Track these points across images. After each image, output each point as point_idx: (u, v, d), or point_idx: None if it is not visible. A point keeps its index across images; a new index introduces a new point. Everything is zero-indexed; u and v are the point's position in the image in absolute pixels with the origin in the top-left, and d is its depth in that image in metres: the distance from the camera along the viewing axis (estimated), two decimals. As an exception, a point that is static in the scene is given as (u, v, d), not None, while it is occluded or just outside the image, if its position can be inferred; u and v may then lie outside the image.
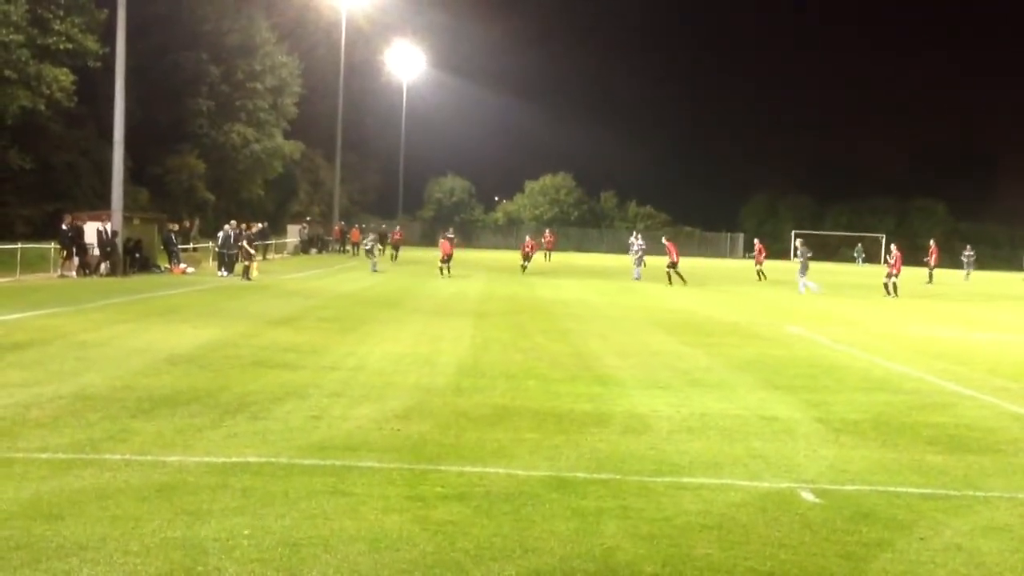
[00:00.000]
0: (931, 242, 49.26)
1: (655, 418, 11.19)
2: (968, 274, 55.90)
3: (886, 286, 35.74)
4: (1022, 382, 15.32)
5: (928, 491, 8.48)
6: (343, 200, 76.05)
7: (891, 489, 8.46)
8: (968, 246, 59.58)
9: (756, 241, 48.71)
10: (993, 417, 12.20)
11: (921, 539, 7.15)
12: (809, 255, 38.57)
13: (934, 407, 12.74)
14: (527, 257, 47.29)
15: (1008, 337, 22.84)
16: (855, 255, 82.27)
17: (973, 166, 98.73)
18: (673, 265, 38.63)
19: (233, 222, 37.56)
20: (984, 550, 6.96)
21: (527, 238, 52.99)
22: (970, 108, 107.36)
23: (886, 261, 37.41)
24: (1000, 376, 15.84)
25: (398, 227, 63.27)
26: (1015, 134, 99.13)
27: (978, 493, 8.48)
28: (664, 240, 41.78)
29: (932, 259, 47.41)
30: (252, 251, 35.30)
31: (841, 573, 6.38)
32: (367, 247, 45.11)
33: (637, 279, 39.86)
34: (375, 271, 41.43)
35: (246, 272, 34.06)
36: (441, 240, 42.85)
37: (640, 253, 42.87)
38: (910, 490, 8.47)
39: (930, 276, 47.05)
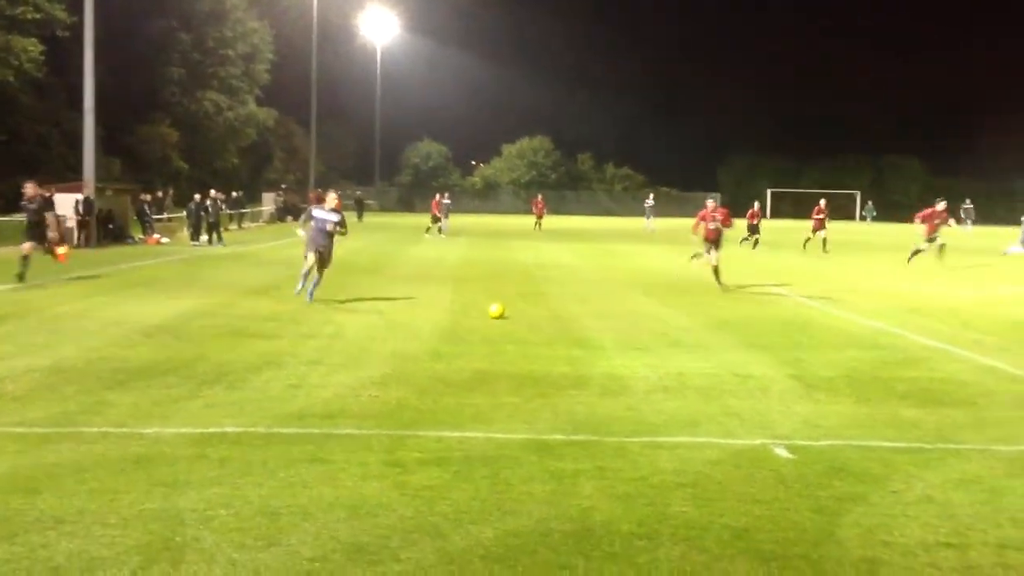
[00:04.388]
0: None
1: (633, 379, 11.25)
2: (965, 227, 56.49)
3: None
4: (996, 335, 15.47)
5: (901, 445, 8.57)
6: (319, 166, 75.60)
7: (864, 443, 8.54)
8: (967, 199, 59.74)
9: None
10: (967, 371, 12.32)
11: (894, 492, 7.23)
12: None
13: (908, 362, 12.87)
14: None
15: (985, 292, 23.04)
16: (864, 214, 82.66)
17: (949, 121, 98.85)
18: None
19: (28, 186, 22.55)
20: (956, 502, 7.05)
21: None
22: (948, 62, 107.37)
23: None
24: (974, 330, 16.00)
25: (446, 194, 48.93)
26: (993, 89, 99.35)
27: (951, 446, 8.58)
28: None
29: None
30: (52, 231, 22.32)
31: (814, 527, 6.46)
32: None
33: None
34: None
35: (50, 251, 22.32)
36: (433, 201, 45.28)
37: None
38: (883, 444, 8.57)
39: None
